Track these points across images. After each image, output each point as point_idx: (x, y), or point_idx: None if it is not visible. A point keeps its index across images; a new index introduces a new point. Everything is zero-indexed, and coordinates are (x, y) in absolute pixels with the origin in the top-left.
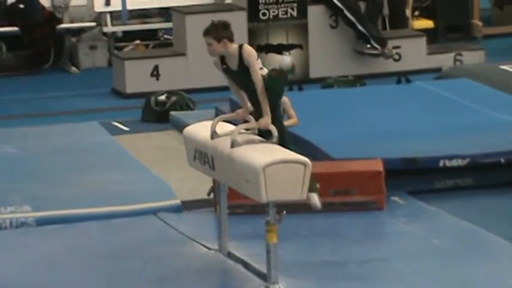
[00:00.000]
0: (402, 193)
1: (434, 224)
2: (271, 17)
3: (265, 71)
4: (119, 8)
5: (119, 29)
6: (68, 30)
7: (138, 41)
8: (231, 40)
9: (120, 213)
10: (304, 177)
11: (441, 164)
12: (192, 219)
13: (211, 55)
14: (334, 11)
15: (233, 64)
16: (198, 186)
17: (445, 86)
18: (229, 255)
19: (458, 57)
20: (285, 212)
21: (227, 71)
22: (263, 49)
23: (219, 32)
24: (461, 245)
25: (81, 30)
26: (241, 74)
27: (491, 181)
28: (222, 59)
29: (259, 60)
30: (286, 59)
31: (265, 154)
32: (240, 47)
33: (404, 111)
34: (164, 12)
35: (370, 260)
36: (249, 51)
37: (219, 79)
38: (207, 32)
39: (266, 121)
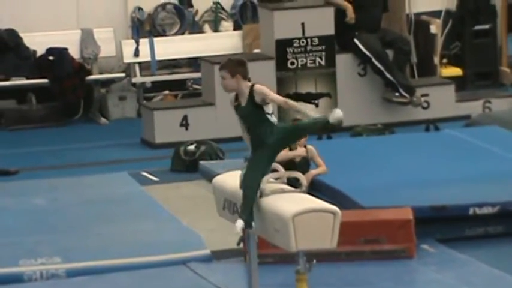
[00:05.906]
0: (432, 241)
1: (465, 272)
2: (299, 66)
3: (274, 120)
4: (148, 58)
5: (148, 79)
6: (97, 81)
7: (167, 91)
8: (245, 77)
9: (150, 263)
10: (333, 226)
11: (471, 211)
12: (222, 269)
13: (225, 90)
14: (362, 59)
15: (243, 101)
16: (228, 235)
17: (474, 133)
18: None
19: (487, 104)
20: (314, 261)
21: (237, 108)
22: (291, 98)
23: (233, 67)
24: None
25: (111, 81)
26: (247, 109)
27: None
28: (237, 97)
29: (271, 105)
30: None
31: (294, 203)
32: (252, 86)
33: (433, 159)
34: (193, 62)
35: None
36: (260, 88)
37: None
38: (222, 66)
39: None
